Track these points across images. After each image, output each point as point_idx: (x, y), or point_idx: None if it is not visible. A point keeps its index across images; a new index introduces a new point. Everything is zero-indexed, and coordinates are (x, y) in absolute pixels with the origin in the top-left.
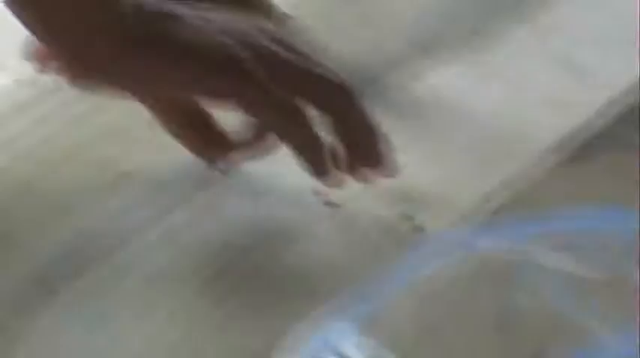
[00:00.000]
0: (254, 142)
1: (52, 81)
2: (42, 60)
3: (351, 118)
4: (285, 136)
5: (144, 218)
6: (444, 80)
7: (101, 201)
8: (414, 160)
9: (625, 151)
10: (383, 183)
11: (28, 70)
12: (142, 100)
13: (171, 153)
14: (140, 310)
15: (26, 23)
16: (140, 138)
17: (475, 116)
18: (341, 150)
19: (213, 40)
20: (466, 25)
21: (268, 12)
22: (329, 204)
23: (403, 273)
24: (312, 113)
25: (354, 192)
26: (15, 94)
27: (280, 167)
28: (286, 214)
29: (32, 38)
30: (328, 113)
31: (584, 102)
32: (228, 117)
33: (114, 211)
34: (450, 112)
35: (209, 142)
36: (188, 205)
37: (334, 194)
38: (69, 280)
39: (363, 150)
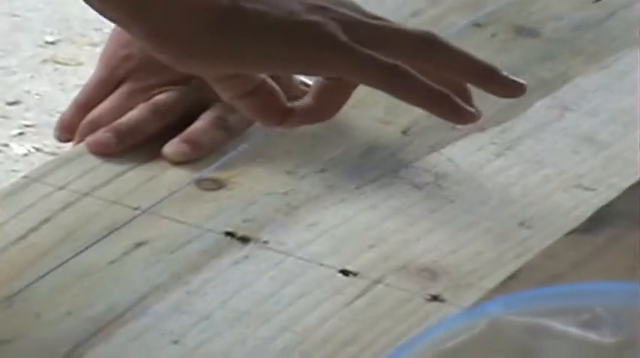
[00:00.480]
0: (314, 107)
1: (70, 152)
2: (69, 130)
3: (455, 56)
4: (406, 95)
5: (159, 284)
6: (464, 153)
7: (119, 268)
8: (435, 234)
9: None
10: (403, 256)
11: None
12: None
13: (190, 221)
14: None
15: (109, 15)
16: (156, 208)
17: (493, 191)
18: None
19: (289, 10)
20: (490, 99)
21: None
22: (347, 273)
23: (420, 339)
24: None
25: (374, 263)
26: (36, 161)
27: (299, 235)
28: (305, 283)
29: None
30: (427, 61)
31: (611, 185)
32: None
33: (131, 278)
34: (468, 186)
35: (269, 108)
36: (202, 272)
37: (353, 264)
38: (90, 346)
39: (485, 74)
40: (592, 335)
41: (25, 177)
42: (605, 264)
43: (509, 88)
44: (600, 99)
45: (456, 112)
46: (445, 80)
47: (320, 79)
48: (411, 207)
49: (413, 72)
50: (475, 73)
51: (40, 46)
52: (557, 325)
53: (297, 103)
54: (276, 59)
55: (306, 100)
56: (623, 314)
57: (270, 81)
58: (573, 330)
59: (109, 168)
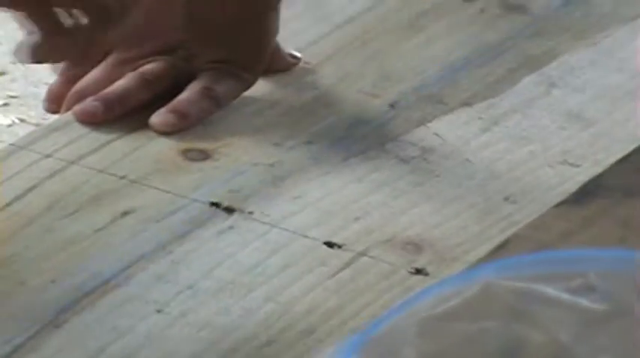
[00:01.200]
0: None
1: (57, 120)
2: (57, 101)
3: None
4: None
5: (144, 253)
6: (450, 128)
7: (104, 236)
8: (420, 208)
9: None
10: (387, 229)
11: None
12: None
13: (175, 191)
14: (143, 341)
15: None
16: (142, 177)
17: (478, 165)
18: None
19: None
20: (479, 75)
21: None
22: (331, 245)
23: (406, 305)
24: None
25: (358, 236)
26: (21, 131)
27: (284, 207)
28: (289, 255)
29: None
30: None
31: (596, 161)
32: None
33: (116, 246)
34: (454, 160)
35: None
36: (187, 242)
37: (337, 236)
38: (74, 313)
39: None
40: (583, 301)
41: (11, 144)
42: (594, 234)
43: None
44: (587, 76)
45: None
46: None
47: None
48: (396, 180)
49: None
50: None
51: None
52: (549, 290)
53: None
54: None
55: None
56: (614, 281)
57: None
58: (565, 295)
59: (96, 137)
